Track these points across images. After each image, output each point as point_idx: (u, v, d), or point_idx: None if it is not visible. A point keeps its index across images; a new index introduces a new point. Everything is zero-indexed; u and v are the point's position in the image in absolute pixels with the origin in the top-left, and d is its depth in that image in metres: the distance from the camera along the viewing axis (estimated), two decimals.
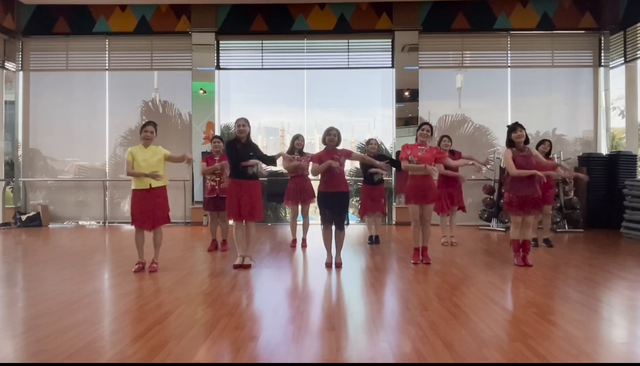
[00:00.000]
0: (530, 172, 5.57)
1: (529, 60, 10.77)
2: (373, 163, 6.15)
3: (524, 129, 5.70)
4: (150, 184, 5.39)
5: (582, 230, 9.09)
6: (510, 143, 5.75)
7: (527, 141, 5.74)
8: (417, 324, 3.57)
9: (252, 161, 5.57)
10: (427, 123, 6.08)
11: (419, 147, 5.84)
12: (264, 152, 5.94)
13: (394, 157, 10.36)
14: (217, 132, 10.64)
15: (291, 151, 7.12)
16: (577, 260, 6.27)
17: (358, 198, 10.59)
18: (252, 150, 5.63)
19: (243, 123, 5.66)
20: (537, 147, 6.76)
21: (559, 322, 3.62)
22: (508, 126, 5.84)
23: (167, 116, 11.13)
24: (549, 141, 7.14)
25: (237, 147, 5.62)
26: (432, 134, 5.92)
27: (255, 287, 4.86)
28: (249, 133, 5.71)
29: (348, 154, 5.74)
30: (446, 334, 3.35)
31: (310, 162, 5.85)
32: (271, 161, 5.86)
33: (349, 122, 11.72)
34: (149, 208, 5.42)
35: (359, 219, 7.65)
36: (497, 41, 10.75)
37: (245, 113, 5.96)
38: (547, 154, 7.01)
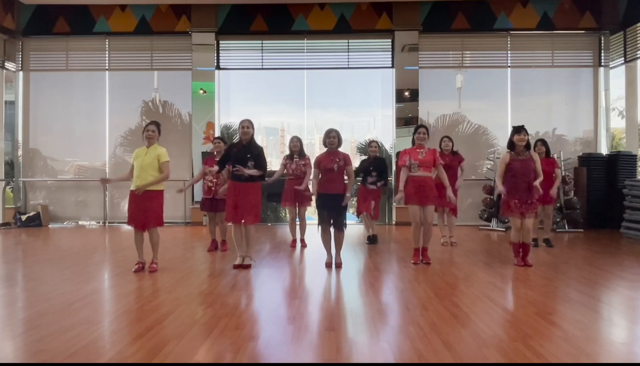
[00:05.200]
0: (501, 190, 5.75)
1: (529, 60, 10.77)
2: (347, 195, 5.70)
3: (528, 134, 5.72)
4: (137, 186, 5.41)
5: (582, 230, 9.09)
6: (511, 144, 5.76)
7: (528, 147, 5.75)
8: (417, 324, 3.57)
9: (243, 170, 5.44)
10: (423, 126, 6.08)
11: (418, 150, 5.84)
12: (264, 157, 5.79)
13: (393, 158, 10.39)
14: (217, 133, 10.66)
15: (290, 154, 7.14)
16: (577, 260, 6.27)
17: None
18: (250, 152, 5.57)
19: (247, 125, 5.64)
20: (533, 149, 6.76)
21: (559, 322, 3.62)
22: (514, 127, 5.84)
23: (167, 116, 11.12)
24: (542, 140, 7.13)
25: (234, 150, 5.61)
26: (428, 135, 5.93)
27: (255, 287, 4.86)
28: (253, 135, 5.70)
29: (348, 163, 5.65)
30: (446, 334, 3.35)
31: (313, 169, 5.85)
32: (263, 173, 5.71)
33: (349, 122, 11.73)
34: (141, 209, 5.42)
35: (357, 218, 7.69)
36: (497, 41, 10.75)
37: (245, 113, 5.98)
38: (546, 154, 7.01)
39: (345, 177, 5.76)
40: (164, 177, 5.49)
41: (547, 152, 7.07)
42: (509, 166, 5.71)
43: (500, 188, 5.79)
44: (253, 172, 5.50)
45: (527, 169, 5.65)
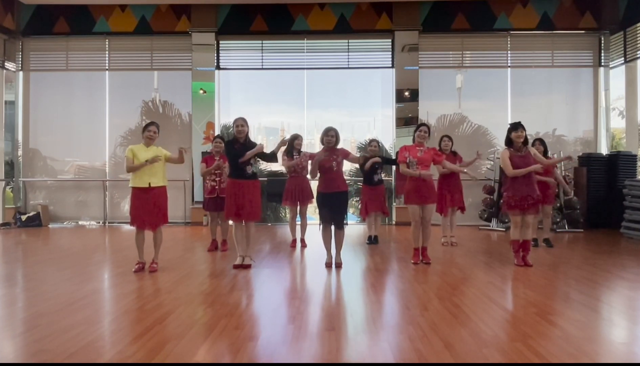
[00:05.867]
0: (527, 170, 5.58)
1: (529, 60, 10.77)
2: (370, 161, 6.08)
3: (525, 130, 5.72)
4: (149, 183, 5.39)
5: (582, 230, 9.08)
6: (509, 142, 5.77)
7: (525, 142, 5.76)
8: (417, 324, 3.57)
9: (249, 153, 5.50)
10: (424, 124, 6.09)
11: (417, 148, 5.84)
12: (264, 151, 5.87)
13: (394, 157, 10.38)
14: (217, 132, 10.65)
15: (290, 150, 7.12)
16: (577, 260, 6.27)
17: (358, 198, 10.62)
18: (250, 149, 5.60)
19: (241, 123, 5.65)
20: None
21: (559, 322, 3.63)
22: (510, 124, 5.85)
23: (167, 116, 11.13)
24: (540, 139, 7.13)
25: (235, 147, 5.62)
26: (429, 135, 5.93)
27: (255, 287, 4.86)
28: (248, 133, 5.70)
29: (346, 155, 5.72)
30: (446, 334, 3.35)
31: (310, 162, 5.89)
32: (271, 157, 5.80)
33: (349, 122, 11.73)
34: (149, 208, 5.41)
35: (362, 219, 7.62)
36: (497, 41, 10.75)
37: (245, 113, 5.95)
38: (545, 154, 7.01)
39: (347, 179, 5.78)
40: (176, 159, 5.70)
41: (545, 151, 7.07)
42: (510, 161, 5.74)
43: (523, 171, 5.59)
44: (250, 153, 5.57)
45: (527, 165, 5.65)
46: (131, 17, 10.83)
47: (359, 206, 10.72)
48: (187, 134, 10.85)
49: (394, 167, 10.19)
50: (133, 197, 5.47)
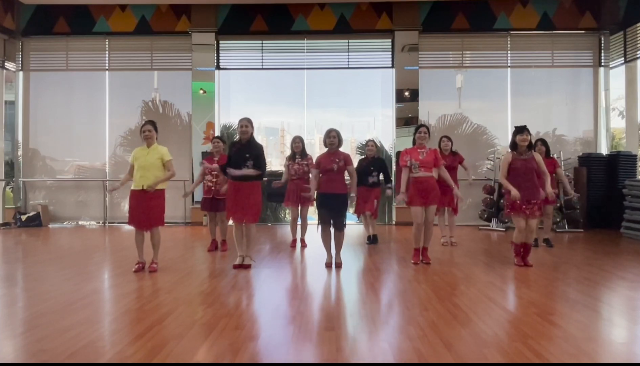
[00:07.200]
0: (511, 189, 5.57)
1: (529, 60, 10.77)
2: (352, 195, 5.76)
3: (530, 134, 5.72)
4: (143, 186, 5.40)
5: (582, 230, 9.09)
6: (513, 145, 5.77)
7: (530, 147, 5.75)
8: (417, 324, 3.57)
9: (234, 172, 5.48)
10: (423, 125, 6.08)
11: (418, 150, 5.83)
12: (263, 157, 5.69)
13: (393, 158, 10.39)
14: (217, 132, 10.67)
15: (292, 155, 7.17)
16: (577, 260, 6.27)
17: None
18: (248, 152, 5.54)
19: (245, 124, 5.63)
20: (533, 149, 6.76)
21: (559, 322, 3.63)
22: (516, 127, 5.85)
23: (167, 116, 11.13)
24: (542, 139, 7.13)
25: (233, 149, 5.61)
26: (429, 135, 5.92)
27: (255, 287, 4.86)
28: (252, 134, 5.68)
29: (348, 163, 5.66)
30: (446, 334, 3.35)
31: (313, 170, 5.88)
32: (260, 173, 5.62)
33: (349, 122, 11.73)
34: (143, 209, 5.42)
35: (357, 218, 7.65)
36: (497, 41, 10.75)
37: (245, 113, 5.92)
38: (547, 154, 7.01)
39: (347, 178, 5.78)
40: (172, 175, 5.55)
41: (547, 151, 7.07)
42: (511, 165, 5.73)
43: (507, 185, 5.67)
44: (249, 172, 5.48)
45: (529, 168, 5.65)
46: (131, 17, 10.83)
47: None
48: (187, 134, 10.86)
49: (394, 167, 10.19)
50: (130, 197, 5.53)
